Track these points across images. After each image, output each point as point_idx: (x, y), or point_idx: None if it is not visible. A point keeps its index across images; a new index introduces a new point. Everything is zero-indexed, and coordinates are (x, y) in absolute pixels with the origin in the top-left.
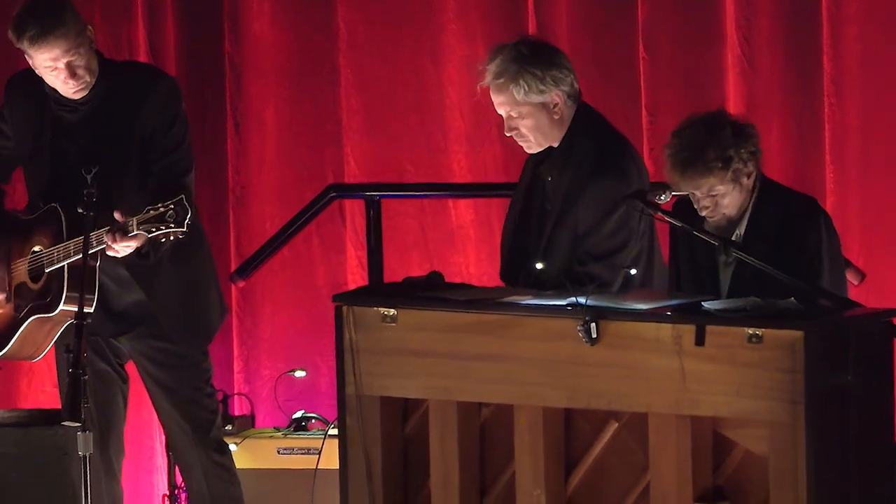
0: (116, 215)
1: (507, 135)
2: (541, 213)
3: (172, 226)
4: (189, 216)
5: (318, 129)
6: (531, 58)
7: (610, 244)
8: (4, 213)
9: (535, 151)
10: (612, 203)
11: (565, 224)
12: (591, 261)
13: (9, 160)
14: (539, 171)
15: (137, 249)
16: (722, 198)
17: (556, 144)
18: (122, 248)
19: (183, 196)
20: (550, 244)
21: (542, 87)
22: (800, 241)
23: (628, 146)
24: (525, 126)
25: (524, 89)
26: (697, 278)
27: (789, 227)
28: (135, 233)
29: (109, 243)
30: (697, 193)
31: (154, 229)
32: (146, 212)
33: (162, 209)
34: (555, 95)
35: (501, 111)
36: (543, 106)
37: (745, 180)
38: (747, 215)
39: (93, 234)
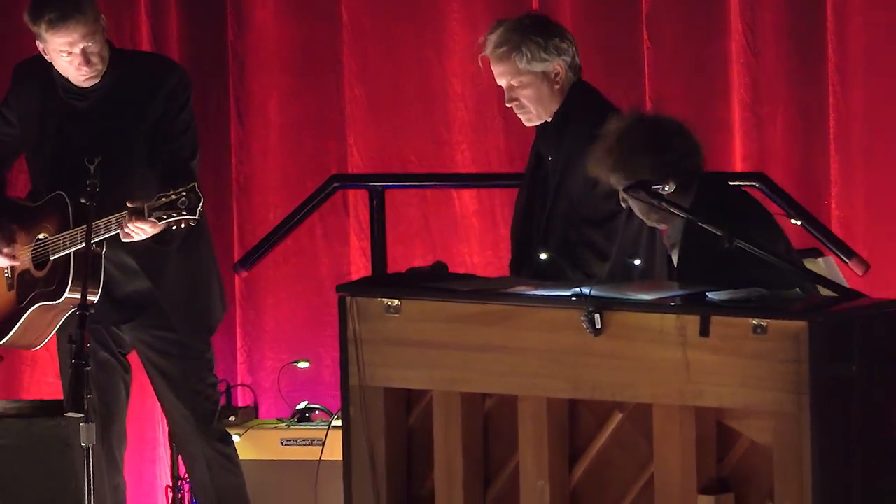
0: (129, 203)
1: (508, 106)
2: (543, 193)
3: (184, 213)
4: (202, 203)
5: (321, 120)
6: (533, 27)
7: (605, 208)
8: (6, 201)
9: (535, 124)
10: None
11: (563, 194)
12: (587, 226)
13: (11, 148)
14: (540, 152)
15: (155, 235)
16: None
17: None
18: (136, 232)
19: (195, 184)
20: (551, 217)
21: (544, 56)
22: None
23: None
24: (525, 96)
25: (526, 57)
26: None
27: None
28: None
29: (125, 224)
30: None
31: (165, 216)
32: (157, 199)
33: (174, 196)
34: (556, 65)
35: (502, 81)
36: (545, 75)
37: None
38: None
39: (101, 221)
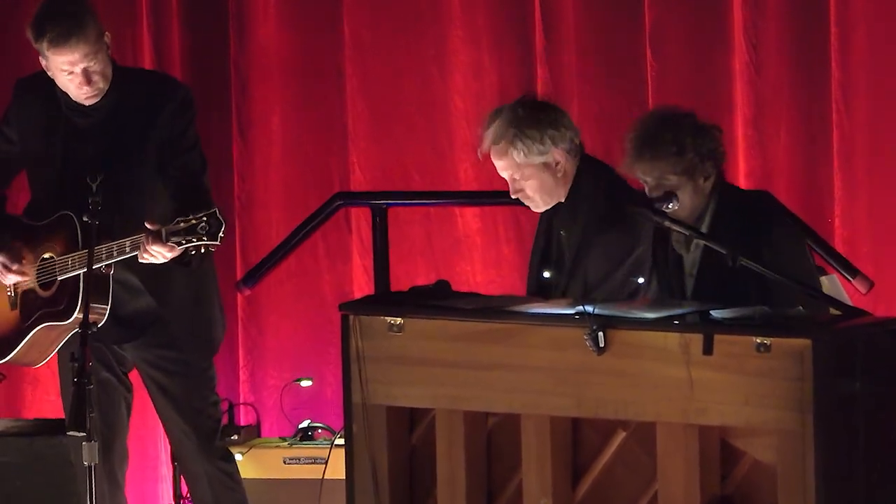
0: (149, 225)
1: (514, 197)
2: (559, 260)
3: (205, 238)
4: (223, 228)
5: (323, 136)
6: (528, 119)
7: (623, 291)
8: (7, 218)
9: (542, 210)
10: (621, 255)
11: (577, 276)
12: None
13: (11, 164)
14: (552, 225)
15: (178, 257)
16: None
17: (562, 200)
18: (155, 255)
19: (216, 209)
20: (566, 295)
21: (541, 148)
22: (767, 242)
23: (633, 192)
24: (529, 187)
25: (524, 152)
26: (667, 287)
27: (751, 231)
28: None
29: (144, 246)
30: (649, 181)
31: (184, 241)
32: (176, 223)
33: (193, 221)
34: (555, 154)
35: (504, 174)
36: (546, 166)
37: (700, 180)
38: (706, 222)
39: (114, 245)
